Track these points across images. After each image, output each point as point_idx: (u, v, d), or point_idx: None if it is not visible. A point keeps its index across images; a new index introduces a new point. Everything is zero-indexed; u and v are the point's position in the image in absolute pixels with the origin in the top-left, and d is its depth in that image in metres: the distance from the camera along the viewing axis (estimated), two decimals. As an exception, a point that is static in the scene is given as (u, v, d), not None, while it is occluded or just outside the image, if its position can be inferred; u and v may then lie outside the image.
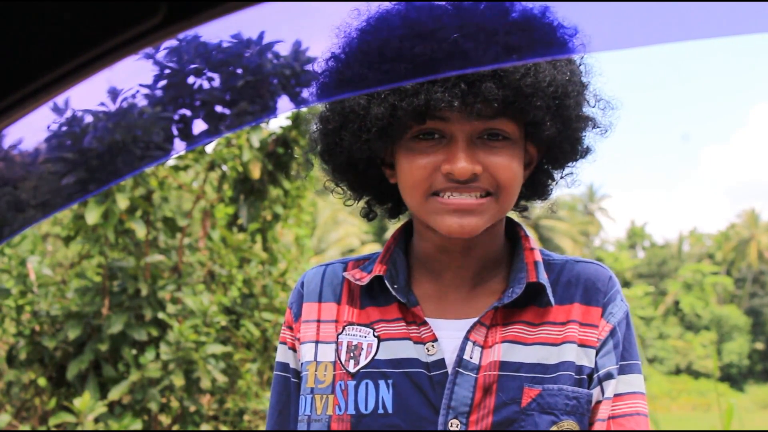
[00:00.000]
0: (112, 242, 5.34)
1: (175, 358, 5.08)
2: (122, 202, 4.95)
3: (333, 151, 1.38)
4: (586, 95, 1.35)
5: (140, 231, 5.21)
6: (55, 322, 5.41)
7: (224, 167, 6.13)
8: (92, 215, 4.90)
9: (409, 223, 1.47)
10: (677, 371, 45.56)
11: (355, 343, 1.36)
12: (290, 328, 1.44)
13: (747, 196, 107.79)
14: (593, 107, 1.37)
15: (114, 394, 5.06)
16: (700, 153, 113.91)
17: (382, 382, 1.32)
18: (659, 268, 55.21)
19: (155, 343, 5.32)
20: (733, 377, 45.37)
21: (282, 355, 1.45)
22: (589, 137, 1.38)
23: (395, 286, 1.36)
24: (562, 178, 1.44)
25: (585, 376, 1.33)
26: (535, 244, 1.41)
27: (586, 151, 1.40)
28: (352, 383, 1.34)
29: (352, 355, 1.36)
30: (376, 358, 1.34)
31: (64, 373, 5.39)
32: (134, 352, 5.32)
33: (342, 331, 1.38)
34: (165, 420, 5.62)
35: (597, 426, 1.32)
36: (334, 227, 39.72)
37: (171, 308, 5.37)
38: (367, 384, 1.33)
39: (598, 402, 1.33)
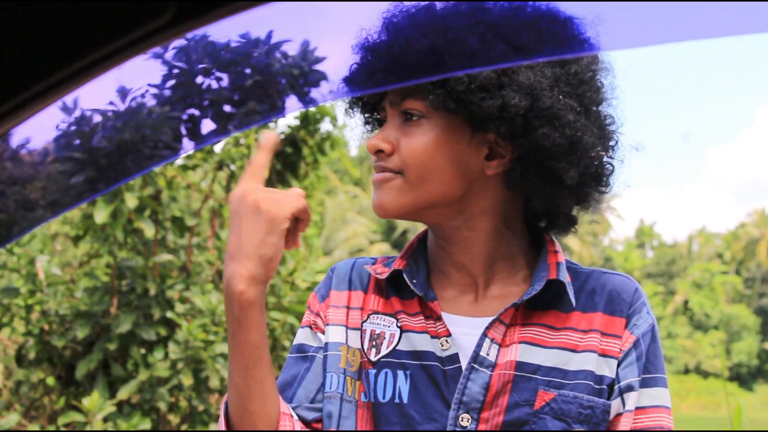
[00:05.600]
0: (121, 241, 5.35)
1: (184, 358, 5.09)
2: (131, 202, 4.96)
3: None
4: (542, 80, 1.27)
5: (149, 230, 5.22)
6: (64, 321, 5.42)
7: (233, 167, 6.13)
8: (101, 214, 4.91)
9: None
10: (686, 371, 45.48)
11: (378, 331, 1.38)
12: (314, 311, 1.45)
13: (754, 195, 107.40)
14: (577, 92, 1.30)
15: (123, 393, 5.07)
16: (707, 152, 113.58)
17: (400, 373, 1.33)
18: (668, 268, 55.11)
19: (164, 343, 5.32)
20: (743, 377, 45.26)
21: (302, 337, 1.44)
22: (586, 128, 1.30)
23: (414, 281, 1.37)
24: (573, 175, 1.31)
25: (605, 387, 1.31)
26: (560, 248, 1.40)
27: (582, 138, 1.29)
28: (372, 371, 1.35)
29: (374, 343, 1.37)
30: (397, 348, 1.35)
31: (73, 372, 5.40)
32: (143, 351, 5.32)
33: (366, 319, 1.40)
34: (174, 419, 5.62)
35: None
36: (342, 226, 39.73)
37: (179, 307, 5.38)
38: (386, 373, 1.34)
39: (619, 414, 1.31)
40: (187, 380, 5.07)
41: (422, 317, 1.36)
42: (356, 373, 1.37)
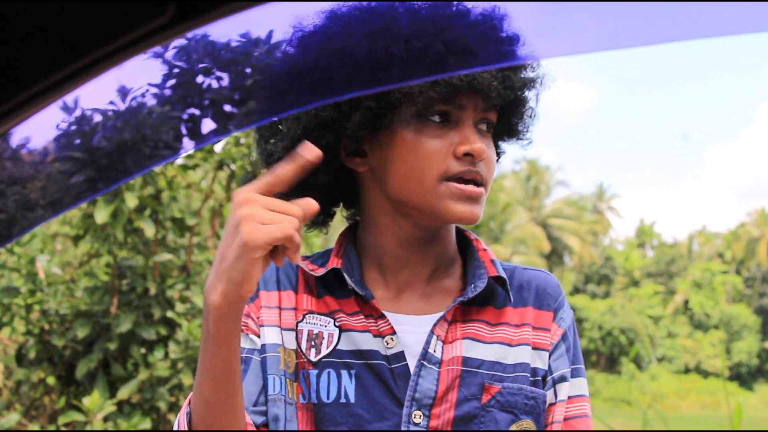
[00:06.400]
0: (121, 241, 5.36)
1: (184, 357, 5.09)
2: (131, 201, 4.96)
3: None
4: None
5: (149, 230, 5.22)
6: (64, 320, 5.43)
7: (233, 166, 6.13)
8: (101, 214, 4.91)
9: (355, 224, 1.47)
10: (686, 370, 45.47)
11: (316, 331, 1.36)
12: (243, 313, 1.34)
13: (754, 194, 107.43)
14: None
15: (123, 392, 5.07)
16: (707, 152, 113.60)
17: (344, 372, 1.33)
18: (668, 267, 55.12)
19: (164, 342, 5.33)
20: (743, 376, 45.25)
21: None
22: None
23: (352, 279, 1.36)
24: None
25: (539, 378, 1.36)
26: (487, 246, 1.45)
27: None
28: (313, 372, 1.33)
29: (313, 343, 1.35)
30: (337, 348, 1.34)
31: (73, 371, 5.41)
32: (143, 350, 5.33)
33: (302, 320, 1.37)
34: (174, 419, 5.63)
35: (555, 428, 1.36)
36: (341, 226, 39.74)
37: (180, 307, 5.38)
38: (329, 373, 1.33)
39: (552, 404, 1.37)
40: (188, 380, 5.07)
41: (362, 316, 1.36)
42: (293, 374, 1.35)
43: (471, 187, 1.29)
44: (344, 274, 1.36)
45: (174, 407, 5.52)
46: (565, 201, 49.78)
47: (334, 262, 1.38)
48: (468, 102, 1.30)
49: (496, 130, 1.39)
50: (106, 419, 4.96)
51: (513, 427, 1.31)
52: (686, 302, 49.85)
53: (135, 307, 5.32)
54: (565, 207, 48.78)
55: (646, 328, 41.36)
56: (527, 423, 1.32)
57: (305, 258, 1.44)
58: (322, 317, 1.37)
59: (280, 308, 1.39)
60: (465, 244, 1.46)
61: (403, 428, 1.29)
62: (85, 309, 5.35)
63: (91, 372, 5.30)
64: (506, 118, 1.38)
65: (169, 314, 5.26)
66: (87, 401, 4.84)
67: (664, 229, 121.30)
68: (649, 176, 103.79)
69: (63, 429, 5.17)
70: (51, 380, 5.55)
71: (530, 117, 1.40)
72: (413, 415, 1.30)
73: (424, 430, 1.29)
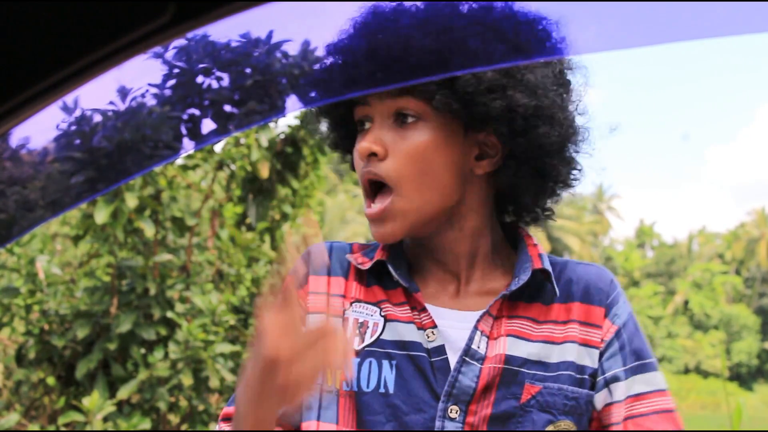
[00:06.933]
0: (121, 241, 5.35)
1: (184, 357, 5.09)
2: (131, 202, 4.96)
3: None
4: (545, 80, 1.31)
5: (149, 230, 5.22)
6: (64, 321, 5.42)
7: (233, 166, 6.14)
8: (101, 214, 4.91)
9: None
10: (686, 370, 45.47)
11: (361, 320, 1.36)
12: None
13: (753, 195, 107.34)
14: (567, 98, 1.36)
15: (123, 393, 5.07)
16: (707, 152, 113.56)
17: (385, 362, 1.32)
18: (668, 268, 55.10)
19: (164, 342, 5.32)
20: (743, 377, 45.26)
21: None
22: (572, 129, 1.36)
23: (398, 272, 1.36)
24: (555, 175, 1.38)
25: (587, 377, 1.32)
26: (538, 241, 1.42)
27: (572, 135, 1.35)
28: (355, 360, 1.33)
29: (357, 332, 1.35)
30: (381, 337, 1.34)
31: (73, 372, 5.41)
32: (143, 351, 5.33)
33: (349, 308, 1.38)
34: (174, 419, 5.63)
35: (614, 428, 1.31)
36: (341, 226, 39.76)
37: (180, 307, 5.38)
38: (370, 362, 1.32)
39: (609, 404, 1.32)
40: (187, 380, 5.07)
41: (408, 307, 1.35)
42: None
43: (368, 211, 1.32)
44: (389, 266, 1.36)
45: (174, 408, 5.52)
46: (565, 201, 49.71)
47: (381, 255, 1.39)
48: (373, 99, 1.31)
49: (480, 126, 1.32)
50: (105, 419, 4.96)
51: (549, 428, 1.29)
52: (686, 303, 49.84)
53: (135, 308, 5.32)
54: (564, 207, 48.76)
55: (646, 328, 41.34)
56: (565, 423, 1.29)
57: (361, 246, 1.46)
58: (369, 306, 1.37)
59: (328, 294, 1.39)
60: (517, 241, 1.44)
61: (437, 422, 1.28)
62: (85, 309, 5.35)
63: (91, 372, 5.30)
64: (466, 106, 1.29)
65: (169, 314, 5.26)
66: (87, 401, 4.84)
67: (664, 229, 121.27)
68: (649, 176, 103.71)
69: (63, 429, 5.17)
70: (51, 380, 5.54)
71: (503, 104, 1.27)
72: (449, 410, 1.28)
73: (460, 425, 1.28)
